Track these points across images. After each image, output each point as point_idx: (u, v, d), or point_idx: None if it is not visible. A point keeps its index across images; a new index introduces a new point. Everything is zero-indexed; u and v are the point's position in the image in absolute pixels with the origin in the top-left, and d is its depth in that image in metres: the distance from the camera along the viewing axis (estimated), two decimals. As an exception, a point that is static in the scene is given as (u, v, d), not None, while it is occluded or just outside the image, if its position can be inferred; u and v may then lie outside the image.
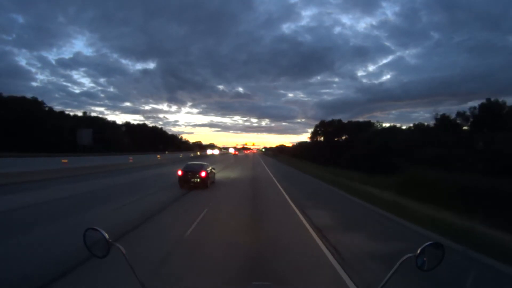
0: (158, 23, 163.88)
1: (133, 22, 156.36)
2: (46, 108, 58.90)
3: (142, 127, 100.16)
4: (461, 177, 13.78)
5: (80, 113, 79.79)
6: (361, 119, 60.99)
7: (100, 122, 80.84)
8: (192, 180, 13.81)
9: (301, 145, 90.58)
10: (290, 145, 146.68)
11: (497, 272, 4.95)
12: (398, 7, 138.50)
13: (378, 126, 50.31)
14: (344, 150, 48.58)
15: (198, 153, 64.80)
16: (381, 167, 33.51)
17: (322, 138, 61.04)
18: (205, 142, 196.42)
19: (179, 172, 14.23)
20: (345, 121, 59.98)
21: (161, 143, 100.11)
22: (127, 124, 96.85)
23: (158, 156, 30.88)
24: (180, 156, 41.39)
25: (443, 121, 49.02)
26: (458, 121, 48.97)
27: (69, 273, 4.30)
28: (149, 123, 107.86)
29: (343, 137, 56.73)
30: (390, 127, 45.45)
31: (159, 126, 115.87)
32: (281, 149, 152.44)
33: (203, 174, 13.95)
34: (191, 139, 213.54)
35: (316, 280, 4.48)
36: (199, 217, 8.22)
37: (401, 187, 14.49)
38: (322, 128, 59.88)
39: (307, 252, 5.72)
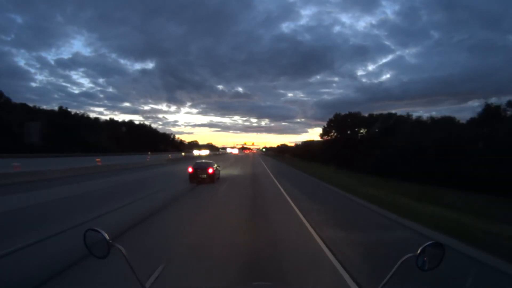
0: (157, 22, 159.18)
1: (132, 21, 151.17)
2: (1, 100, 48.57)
3: (128, 125, 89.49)
4: None
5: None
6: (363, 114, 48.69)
7: (79, 119, 70.64)
8: (201, 176, 15.45)
9: (307, 144, 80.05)
10: (292, 144, 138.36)
11: None
12: (398, 6, 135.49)
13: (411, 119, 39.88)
14: (370, 150, 38.18)
15: (183, 154, 54.01)
16: (437, 174, 23.17)
17: (336, 135, 50.57)
18: (204, 142, 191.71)
19: (190, 169, 15.86)
20: (365, 114, 49.39)
21: (151, 143, 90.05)
22: (110, 122, 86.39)
23: (98, 160, 20.28)
24: (148, 159, 29.50)
25: (491, 111, 38.90)
26: (508, 112, 39.16)
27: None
28: (138, 121, 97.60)
29: (361, 132, 46.31)
30: (445, 118, 34.49)
31: (148, 124, 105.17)
32: (283, 148, 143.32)
33: (210, 170, 15.76)
34: (191, 139, 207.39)
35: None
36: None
37: None
38: (336, 123, 49.29)
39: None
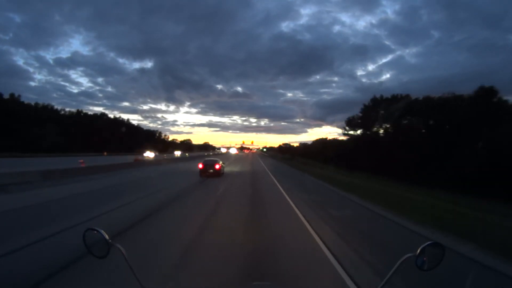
0: (155, 21, 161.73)
1: (129, 20, 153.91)
2: None
3: (99, 119, 73.18)
4: None
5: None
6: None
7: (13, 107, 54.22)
8: (209, 171, 17.61)
9: (321, 143, 63.96)
10: (296, 144, 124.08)
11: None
12: (398, 6, 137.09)
13: None
14: (448, 152, 22.38)
15: (136, 158, 37.46)
16: None
17: (373, 130, 34.43)
18: (205, 142, 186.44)
19: (200, 166, 18.05)
20: (415, 96, 33.24)
21: (128, 141, 74.08)
22: (78, 115, 70.27)
23: None
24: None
25: None
26: None
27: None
28: (113, 116, 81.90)
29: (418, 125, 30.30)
30: None
31: (126, 119, 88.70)
32: (285, 148, 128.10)
33: (217, 166, 17.87)
34: (191, 139, 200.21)
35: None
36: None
37: None
38: (378, 110, 33.14)
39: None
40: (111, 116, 79.99)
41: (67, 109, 73.53)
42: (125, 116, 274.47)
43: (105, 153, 43.05)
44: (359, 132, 44.10)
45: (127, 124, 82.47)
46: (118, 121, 78.72)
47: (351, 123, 45.35)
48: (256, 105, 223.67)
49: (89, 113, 76.11)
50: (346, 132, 46.16)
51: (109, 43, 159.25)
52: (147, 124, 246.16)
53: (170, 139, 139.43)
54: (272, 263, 4.32)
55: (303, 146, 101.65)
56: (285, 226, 6.77)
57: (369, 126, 34.00)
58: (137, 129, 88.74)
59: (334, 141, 60.60)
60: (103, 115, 77.11)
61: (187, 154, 61.76)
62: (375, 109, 34.14)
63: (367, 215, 8.79)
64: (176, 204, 9.28)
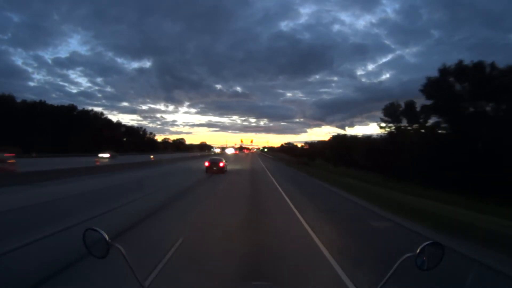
0: (153, 20, 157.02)
1: (127, 19, 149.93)
2: None
3: (67, 112, 59.44)
4: None
5: None
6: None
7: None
8: (214, 168, 20.85)
9: (339, 141, 51.02)
10: (300, 144, 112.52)
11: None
12: (398, 5, 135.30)
13: None
14: None
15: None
16: None
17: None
18: (200, 142, 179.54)
19: (206, 164, 21.34)
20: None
21: (98, 140, 60.90)
22: (40, 107, 56.66)
23: None
24: None
25: None
26: None
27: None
28: (82, 108, 68.81)
29: None
30: None
31: (99, 111, 74.72)
32: (288, 148, 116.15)
33: (221, 164, 21.23)
34: (190, 139, 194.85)
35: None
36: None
37: None
38: (454, 85, 20.30)
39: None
40: (81, 108, 66.59)
41: (30, 101, 60.29)
42: (122, 116, 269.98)
43: (35, 155, 30.24)
44: (404, 123, 31.72)
45: (102, 119, 69.22)
46: (90, 115, 65.39)
47: (392, 114, 32.83)
48: (256, 105, 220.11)
49: (55, 104, 62.79)
50: (385, 125, 33.55)
51: (107, 43, 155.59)
52: (146, 124, 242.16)
53: (160, 138, 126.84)
54: None
55: (310, 145, 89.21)
56: None
57: (450, 111, 20.96)
58: (115, 125, 75.46)
59: (358, 139, 48.18)
60: (72, 108, 63.79)
61: (151, 156, 40.31)
62: (446, 83, 21.43)
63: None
64: None
